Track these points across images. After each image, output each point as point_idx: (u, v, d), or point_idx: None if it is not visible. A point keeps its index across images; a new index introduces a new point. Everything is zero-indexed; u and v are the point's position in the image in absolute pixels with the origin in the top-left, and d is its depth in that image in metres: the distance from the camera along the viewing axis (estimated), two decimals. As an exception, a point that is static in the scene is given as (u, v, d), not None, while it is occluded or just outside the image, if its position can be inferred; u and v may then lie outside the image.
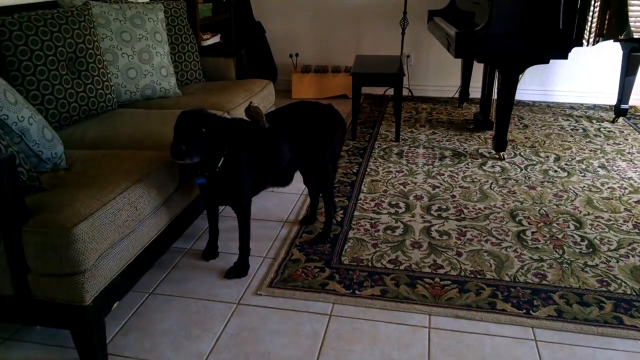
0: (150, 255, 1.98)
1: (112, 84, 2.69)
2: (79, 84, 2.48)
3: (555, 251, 2.34)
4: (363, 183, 3.07)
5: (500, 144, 3.42)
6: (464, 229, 2.53)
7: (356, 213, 2.70)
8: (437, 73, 5.02)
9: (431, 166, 3.32)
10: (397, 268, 2.22)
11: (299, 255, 2.32)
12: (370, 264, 2.25)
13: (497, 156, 3.46)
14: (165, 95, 2.95)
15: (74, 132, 2.36)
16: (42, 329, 1.88)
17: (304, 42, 5.11)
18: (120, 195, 1.74)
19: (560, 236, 2.47)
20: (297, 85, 4.96)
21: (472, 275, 2.17)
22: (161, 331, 1.87)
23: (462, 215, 2.67)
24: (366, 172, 3.22)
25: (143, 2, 3.04)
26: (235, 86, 3.06)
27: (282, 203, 2.83)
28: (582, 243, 2.41)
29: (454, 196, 2.89)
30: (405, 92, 4.99)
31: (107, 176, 1.82)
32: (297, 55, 5.05)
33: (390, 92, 5.03)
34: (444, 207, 2.77)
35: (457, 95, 4.85)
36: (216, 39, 4.23)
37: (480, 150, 3.59)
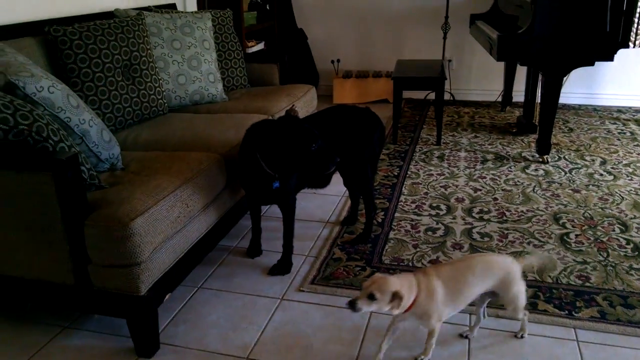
0: (199, 251, 2.08)
1: (163, 89, 2.83)
2: (133, 89, 2.62)
3: (600, 254, 2.32)
4: (404, 185, 3.10)
5: (543, 147, 3.39)
6: (505, 231, 2.54)
7: (397, 214, 2.74)
8: (480, 77, 5.00)
9: (473, 169, 3.32)
10: (437, 268, 2.25)
11: (341, 254, 2.38)
12: (410, 264, 2.29)
13: (540, 159, 3.43)
14: (212, 100, 3.07)
15: (129, 134, 2.49)
16: (99, 318, 2.00)
17: (345, 48, 5.18)
18: (173, 193, 1.85)
19: (605, 239, 2.44)
20: (338, 90, 5.03)
21: (513, 276, 2.17)
22: (209, 323, 1.96)
23: (504, 218, 2.67)
24: (407, 175, 3.26)
25: (192, 12, 3.18)
26: (278, 91, 3.16)
27: (323, 204, 2.89)
28: (627, 246, 2.37)
29: (495, 199, 2.89)
30: (446, 97, 4.99)
31: (160, 175, 1.93)
32: (338, 61, 5.12)
33: (432, 96, 5.04)
34: (486, 209, 2.77)
35: (499, 99, 4.82)
36: (260, 46, 4.35)
37: (523, 154, 3.56)
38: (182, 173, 1.98)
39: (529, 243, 2.42)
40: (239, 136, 2.42)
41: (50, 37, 2.37)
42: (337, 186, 3.07)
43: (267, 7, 4.40)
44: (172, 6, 3.49)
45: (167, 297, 1.86)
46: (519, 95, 4.66)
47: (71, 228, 1.67)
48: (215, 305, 2.07)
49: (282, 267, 2.27)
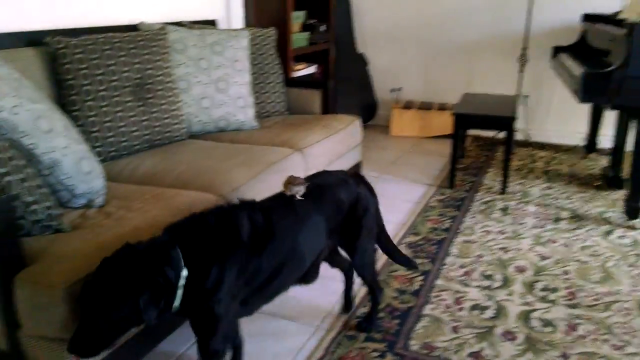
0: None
1: (181, 113, 2.51)
2: (144, 112, 2.32)
3: None
4: (453, 243, 2.59)
5: (633, 209, 2.76)
6: (575, 321, 1.97)
7: (438, 282, 2.24)
8: (560, 116, 4.37)
9: (542, 229, 2.75)
10: (478, 366, 1.74)
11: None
12: (444, 356, 1.78)
13: (628, 224, 2.80)
14: (240, 127, 2.72)
15: (129, 163, 2.17)
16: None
17: (408, 76, 4.73)
18: (136, 247, 1.48)
19: None
20: (397, 121, 4.57)
21: (581, 391, 1.62)
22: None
23: (575, 300, 2.10)
24: (459, 230, 2.74)
25: (228, 30, 2.87)
26: (314, 121, 2.77)
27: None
28: None
29: (566, 272, 2.32)
30: (521, 136, 4.41)
31: (132, 221, 1.58)
32: (400, 89, 4.67)
33: (503, 134, 4.47)
34: (553, 286, 2.21)
35: (583, 144, 4.17)
36: (311, 69, 4.00)
37: (606, 215, 2.94)
38: (160, 220, 1.61)
39: (605, 341, 1.85)
40: (250, 175, 2.05)
41: (50, 49, 2.10)
42: (372, 237, 2.61)
43: (323, 29, 4.05)
44: (211, 23, 3.20)
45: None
46: (606, 140, 3.99)
47: (1, 284, 1.33)
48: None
49: None
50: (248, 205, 1.52)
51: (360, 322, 1.95)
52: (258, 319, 1.98)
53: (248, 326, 1.94)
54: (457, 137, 3.23)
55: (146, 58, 2.34)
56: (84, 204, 1.78)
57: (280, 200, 1.60)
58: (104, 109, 2.17)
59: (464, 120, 3.18)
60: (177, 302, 1.31)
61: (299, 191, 1.61)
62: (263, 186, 2.08)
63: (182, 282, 1.30)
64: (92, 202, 1.79)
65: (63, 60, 2.10)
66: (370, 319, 1.94)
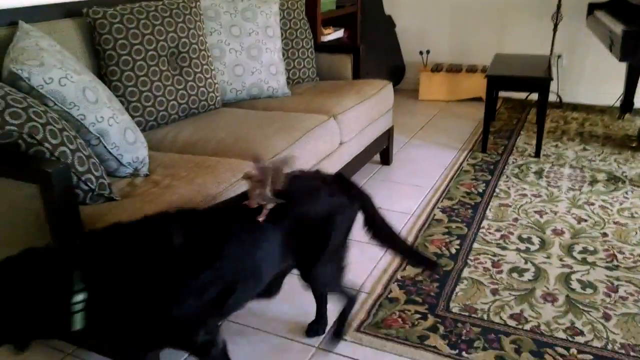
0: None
1: (216, 81, 2.52)
2: (180, 80, 2.33)
3: None
4: (489, 207, 2.59)
5: (673, 170, 2.72)
6: (615, 282, 1.98)
7: (476, 245, 2.25)
8: (595, 77, 4.26)
9: (578, 192, 2.73)
10: (520, 327, 1.76)
11: (399, 293, 1.95)
12: (485, 317, 1.81)
13: (667, 185, 2.76)
14: (272, 94, 2.72)
15: (168, 132, 2.20)
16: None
17: (437, 38, 4.64)
18: (186, 214, 1.52)
19: None
20: (425, 85, 4.52)
21: (623, 351, 1.64)
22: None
23: (615, 263, 2.10)
24: (494, 194, 2.73)
25: (258, -6, 2.84)
26: (347, 87, 2.75)
27: (389, 223, 2.45)
28: None
29: (605, 234, 2.31)
30: (552, 98, 4.32)
31: (179, 189, 1.61)
32: (428, 52, 4.60)
33: (534, 96, 4.39)
34: (591, 248, 2.21)
35: (617, 104, 4.07)
36: (339, 33, 3.94)
37: (644, 176, 2.90)
38: (206, 187, 1.65)
39: (647, 302, 1.86)
40: (288, 142, 2.06)
41: (88, 20, 2.12)
42: (405, 202, 2.63)
43: (351, -9, 3.99)
44: (241, -12, 3.16)
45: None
46: (642, 100, 3.90)
47: (61, 251, 1.38)
48: (239, 345, 1.73)
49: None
50: (186, 217, 1.29)
51: (335, 330, 1.74)
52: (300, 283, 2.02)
53: (291, 290, 1.99)
54: (490, 99, 3.18)
55: (180, 26, 2.34)
56: (130, 173, 1.82)
57: (231, 212, 1.37)
58: (142, 78, 2.19)
59: (497, 82, 3.13)
60: (77, 325, 1.13)
61: (266, 204, 1.33)
62: (301, 152, 2.10)
63: (78, 305, 1.12)
64: (137, 171, 1.83)
65: (101, 31, 2.11)
66: (343, 324, 1.73)
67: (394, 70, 4.72)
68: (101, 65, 2.15)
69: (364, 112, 2.62)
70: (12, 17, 1.98)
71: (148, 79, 2.21)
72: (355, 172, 2.71)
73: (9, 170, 1.36)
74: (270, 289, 1.56)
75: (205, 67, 2.44)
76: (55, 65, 1.64)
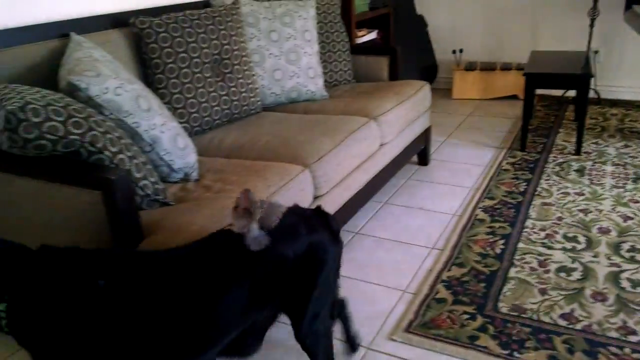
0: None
1: (256, 86, 2.56)
2: (223, 87, 2.38)
3: None
4: (532, 206, 2.57)
5: None
6: (668, 281, 1.95)
7: (520, 245, 2.24)
8: (633, 72, 4.18)
9: (622, 189, 2.69)
10: (571, 326, 1.75)
11: (446, 293, 1.96)
12: (535, 317, 1.80)
13: None
14: (311, 97, 2.75)
15: (214, 137, 2.25)
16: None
17: (470, 37, 4.61)
18: (241, 218, 1.55)
19: None
20: (459, 84, 4.49)
21: (681, 351, 1.62)
22: (279, 371, 1.65)
23: (666, 261, 2.07)
24: (536, 193, 2.71)
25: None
26: (386, 88, 2.76)
27: (430, 224, 2.46)
28: None
29: (653, 232, 2.28)
30: (590, 94, 4.25)
31: (232, 193, 1.65)
32: (461, 51, 4.57)
33: (571, 93, 4.32)
34: (639, 246, 2.18)
35: (658, 99, 3.99)
36: (372, 35, 3.96)
37: (691, 172, 2.84)
38: (257, 191, 1.68)
39: (702, 302, 1.82)
40: (332, 144, 2.09)
41: (135, 30, 2.18)
42: (446, 203, 2.63)
43: (383, -8, 4.00)
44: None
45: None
46: (685, 94, 3.81)
47: (123, 255, 1.44)
48: (288, 341, 1.76)
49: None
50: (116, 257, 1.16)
51: (350, 345, 1.67)
52: (346, 283, 2.05)
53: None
54: (529, 97, 3.15)
55: (222, 33, 2.39)
56: (181, 178, 1.87)
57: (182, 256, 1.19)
58: (187, 85, 2.25)
59: (536, 80, 3.10)
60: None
61: (259, 239, 1.19)
62: (345, 155, 2.12)
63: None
64: (188, 176, 1.88)
65: (148, 40, 2.17)
66: (353, 340, 1.67)
67: (426, 70, 4.71)
68: (148, 73, 2.21)
69: (404, 113, 2.63)
70: (62, 29, 2.06)
71: (193, 86, 2.26)
72: (394, 174, 2.72)
73: (73, 178, 1.41)
74: (244, 347, 1.31)
75: (246, 72, 2.48)
76: (110, 76, 1.70)
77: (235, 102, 2.43)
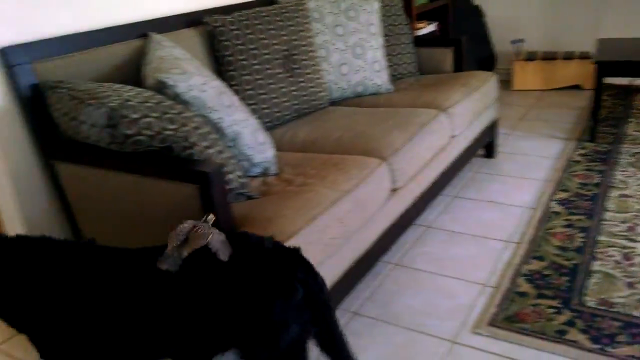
0: (355, 274, 1.78)
1: (324, 81, 2.57)
2: (292, 82, 2.40)
3: None
4: (608, 198, 2.48)
5: None
6: None
7: (601, 238, 2.17)
8: None
9: None
10: (666, 321, 1.69)
11: (527, 287, 1.92)
12: (624, 311, 1.74)
13: None
14: (376, 91, 2.74)
15: (285, 132, 2.28)
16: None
17: (529, 26, 4.49)
18: (328, 210, 1.57)
19: None
20: (519, 74, 4.38)
21: None
22: (364, 362, 1.66)
23: None
24: (611, 184, 2.62)
25: (358, -7, 2.87)
26: (452, 80, 2.72)
27: (505, 218, 2.41)
28: None
29: None
30: (659, 82, 4.08)
31: (313, 186, 1.66)
32: (521, 41, 4.46)
33: (637, 81, 4.15)
34: None
35: None
36: (431, 27, 3.91)
37: None
38: (339, 184, 1.69)
39: None
40: (405, 137, 2.07)
41: (208, 28, 2.22)
42: (519, 196, 2.58)
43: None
44: (337, -12, 3.20)
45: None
46: None
47: (215, 247, 1.47)
48: (372, 339, 1.76)
49: None
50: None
51: None
52: (422, 276, 2.04)
53: (415, 282, 2.00)
54: (599, 87, 3.05)
55: (291, 29, 2.41)
56: (260, 172, 1.90)
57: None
58: (259, 81, 2.28)
59: (607, 68, 2.99)
60: None
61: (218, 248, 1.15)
62: (419, 148, 2.10)
63: None
64: (267, 170, 1.90)
65: (221, 38, 2.21)
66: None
67: (484, 61, 4.61)
68: (220, 70, 2.25)
69: (472, 104, 2.59)
70: (141, 29, 2.12)
71: (264, 82, 2.29)
72: (462, 167, 2.68)
73: (170, 172, 1.45)
74: None
75: (314, 67, 2.50)
76: (195, 73, 1.74)
77: (304, 97, 2.45)
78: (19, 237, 1.29)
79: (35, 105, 1.70)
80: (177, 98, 1.66)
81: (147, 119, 1.45)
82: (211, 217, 1.21)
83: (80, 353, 1.24)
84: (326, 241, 1.54)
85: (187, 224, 1.20)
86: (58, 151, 1.69)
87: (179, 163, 1.46)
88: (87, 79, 1.85)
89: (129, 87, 1.60)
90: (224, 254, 1.15)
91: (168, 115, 1.49)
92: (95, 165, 1.58)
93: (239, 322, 1.11)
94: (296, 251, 1.19)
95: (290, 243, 1.41)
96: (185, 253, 1.15)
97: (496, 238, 2.25)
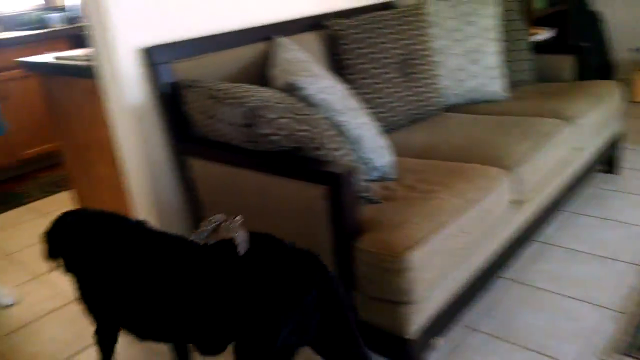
0: (473, 288, 1.73)
1: (440, 86, 2.52)
2: (408, 86, 2.38)
3: None
4: None
5: None
6: None
7: None
8: None
9: None
10: None
11: (662, 315, 1.77)
12: None
13: None
14: (491, 98, 2.65)
15: (400, 137, 2.25)
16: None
17: (655, 34, 4.17)
18: (457, 219, 1.53)
19: None
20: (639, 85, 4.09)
21: None
22: (481, 379, 1.60)
23: None
24: None
25: (476, -3, 2.79)
26: (575, 89, 2.57)
27: (629, 237, 2.25)
28: None
29: None
30: None
31: (439, 193, 1.63)
32: (644, 49, 4.15)
33: None
34: None
35: None
36: (549, 33, 3.73)
37: None
38: (465, 193, 1.64)
39: None
40: (530, 147, 1.99)
41: (329, 31, 2.25)
42: (650, 216, 2.39)
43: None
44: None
45: (441, 342, 1.56)
46: None
47: (340, 249, 1.48)
48: (488, 356, 1.70)
49: None
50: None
51: None
52: (542, 294, 1.94)
53: (534, 300, 1.91)
54: None
55: (409, 33, 2.38)
56: (379, 177, 1.89)
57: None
58: (376, 85, 2.28)
59: None
60: None
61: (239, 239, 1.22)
62: (544, 159, 2.01)
63: None
64: (385, 174, 1.89)
65: (341, 41, 2.23)
66: None
67: (601, 69, 4.34)
68: (339, 74, 2.27)
69: (597, 115, 2.44)
70: (266, 33, 2.19)
71: (381, 86, 2.29)
72: (583, 181, 2.53)
73: (301, 173, 1.48)
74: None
75: (430, 72, 2.46)
76: (322, 76, 1.76)
77: (419, 103, 2.42)
78: (99, 213, 1.44)
79: (172, 102, 1.80)
80: (305, 100, 1.69)
81: (283, 120, 1.48)
82: (239, 218, 1.28)
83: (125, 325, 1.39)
84: (450, 251, 1.51)
85: (220, 216, 1.30)
86: (192, 147, 1.78)
87: (310, 164, 1.48)
88: (216, 79, 1.93)
89: (262, 88, 1.65)
90: (243, 250, 1.21)
91: (300, 117, 1.52)
92: (227, 162, 1.65)
93: (243, 314, 1.15)
94: (315, 257, 1.21)
95: (417, 250, 1.38)
96: (212, 239, 1.27)
97: (624, 260, 2.10)
